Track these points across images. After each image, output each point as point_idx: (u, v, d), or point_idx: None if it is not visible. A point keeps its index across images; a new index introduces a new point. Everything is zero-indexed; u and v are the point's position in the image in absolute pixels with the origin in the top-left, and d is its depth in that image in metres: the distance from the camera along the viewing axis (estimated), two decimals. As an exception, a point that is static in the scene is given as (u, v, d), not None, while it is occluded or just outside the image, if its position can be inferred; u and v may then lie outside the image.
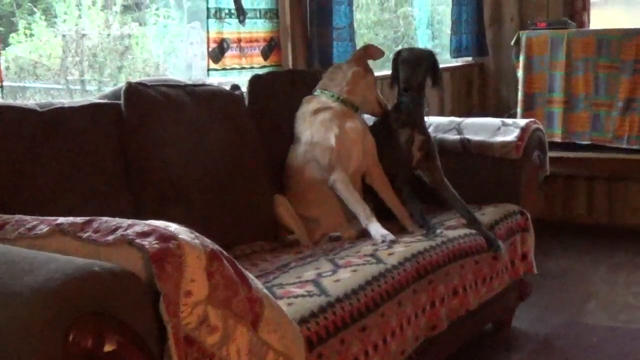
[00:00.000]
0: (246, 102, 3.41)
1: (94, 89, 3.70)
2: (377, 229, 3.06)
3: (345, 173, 3.23)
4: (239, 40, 3.75)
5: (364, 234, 3.17)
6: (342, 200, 3.26)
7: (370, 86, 3.53)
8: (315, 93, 3.48)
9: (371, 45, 3.67)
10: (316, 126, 3.34)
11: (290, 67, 3.99)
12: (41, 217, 1.86)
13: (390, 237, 3.00)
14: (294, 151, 3.37)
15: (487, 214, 3.40)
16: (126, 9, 4.07)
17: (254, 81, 3.48)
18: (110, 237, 1.68)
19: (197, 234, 1.73)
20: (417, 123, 3.50)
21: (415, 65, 3.47)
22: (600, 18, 6.00)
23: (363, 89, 3.48)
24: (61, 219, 1.79)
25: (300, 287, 2.42)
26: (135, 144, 2.84)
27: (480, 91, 6.04)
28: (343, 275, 2.54)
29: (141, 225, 1.69)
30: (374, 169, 3.40)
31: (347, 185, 3.21)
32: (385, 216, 3.28)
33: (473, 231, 3.20)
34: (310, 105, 3.42)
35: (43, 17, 3.66)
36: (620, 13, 6.55)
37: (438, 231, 3.13)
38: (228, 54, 3.69)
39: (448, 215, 3.38)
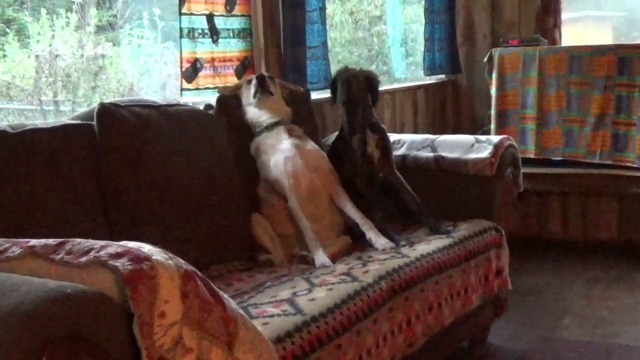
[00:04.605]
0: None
1: (68, 110, 3.69)
2: (319, 257, 3.08)
3: (298, 197, 3.25)
4: (213, 60, 3.75)
5: (343, 250, 3.23)
6: (318, 217, 3.29)
7: (248, 94, 3.48)
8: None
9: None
10: (259, 167, 3.40)
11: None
12: (13, 239, 1.84)
13: (328, 263, 3.02)
14: (260, 184, 3.40)
15: (461, 230, 3.41)
16: (100, 29, 4.06)
17: (222, 100, 3.48)
18: (83, 259, 1.66)
19: (171, 255, 1.72)
20: (366, 124, 3.50)
21: (353, 80, 3.47)
22: (572, 35, 6.07)
23: (257, 103, 3.45)
24: (34, 241, 1.77)
25: (275, 307, 2.42)
26: (108, 165, 2.83)
27: (454, 108, 6.07)
28: (318, 294, 2.54)
29: (114, 246, 1.68)
30: (333, 187, 3.40)
31: (299, 213, 3.24)
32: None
33: (446, 245, 3.21)
34: (252, 150, 3.45)
35: (16, 38, 3.65)
36: (591, 30, 6.62)
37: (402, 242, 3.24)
38: (202, 73, 3.69)
39: (419, 233, 3.42)
